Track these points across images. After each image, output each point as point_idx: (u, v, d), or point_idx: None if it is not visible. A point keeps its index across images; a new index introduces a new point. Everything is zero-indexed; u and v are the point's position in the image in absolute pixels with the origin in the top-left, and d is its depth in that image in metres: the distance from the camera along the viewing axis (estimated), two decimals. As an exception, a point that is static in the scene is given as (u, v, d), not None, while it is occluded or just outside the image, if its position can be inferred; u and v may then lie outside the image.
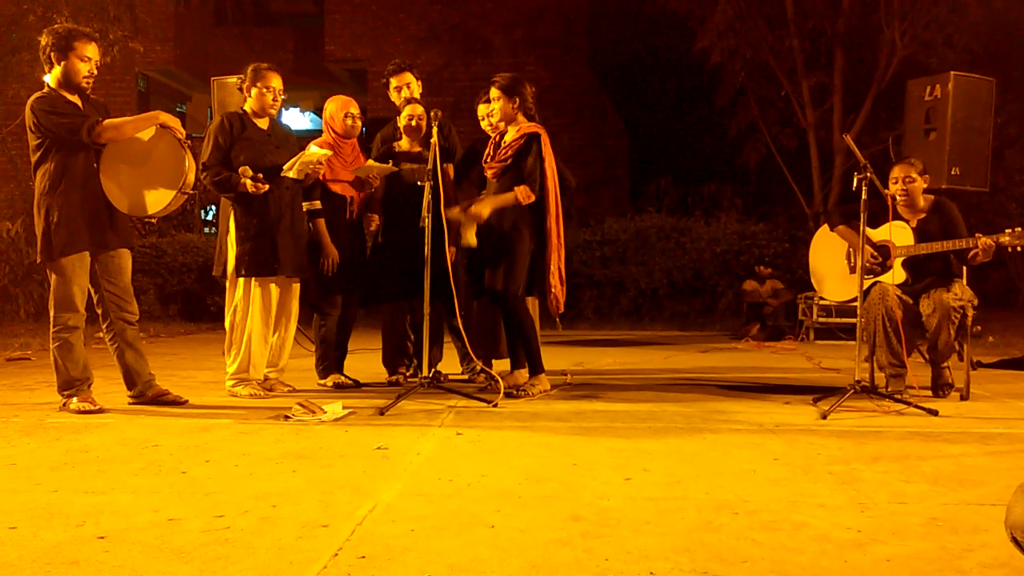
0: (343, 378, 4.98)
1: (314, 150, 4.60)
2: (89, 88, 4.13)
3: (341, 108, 4.95)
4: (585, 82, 14.58)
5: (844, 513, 2.41)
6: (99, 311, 4.26)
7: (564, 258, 4.73)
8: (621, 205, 13.71)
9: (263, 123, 4.63)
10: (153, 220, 4.35)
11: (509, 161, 4.60)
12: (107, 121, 4.02)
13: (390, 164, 4.91)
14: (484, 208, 4.50)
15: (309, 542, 2.13)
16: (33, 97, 4.03)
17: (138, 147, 4.11)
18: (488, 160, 4.73)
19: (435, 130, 4.45)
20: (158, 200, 4.12)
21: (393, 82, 5.29)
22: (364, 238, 5.11)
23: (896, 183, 4.67)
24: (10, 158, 11.25)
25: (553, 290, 4.63)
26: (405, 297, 5.00)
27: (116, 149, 4.10)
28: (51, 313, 4.10)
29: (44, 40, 4.06)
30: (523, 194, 4.52)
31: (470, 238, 4.56)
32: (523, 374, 4.78)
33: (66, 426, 3.73)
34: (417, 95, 5.22)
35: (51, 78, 4.08)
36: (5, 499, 2.53)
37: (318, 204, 4.80)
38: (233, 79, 5.05)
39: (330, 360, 5.00)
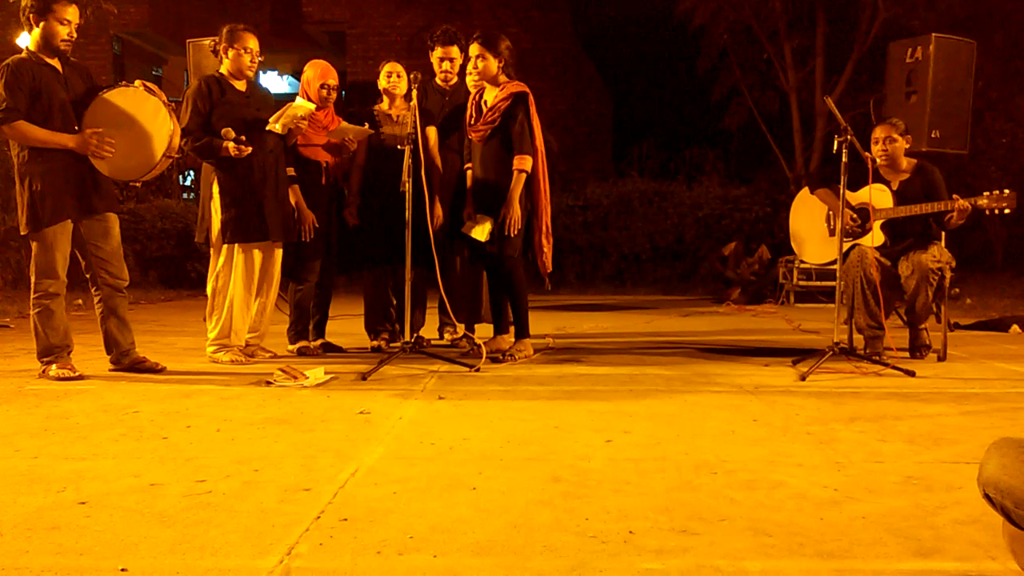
0: (309, 344, 4.96)
1: (300, 102, 4.55)
2: (69, 51, 4.06)
3: (318, 77, 4.85)
4: (567, 45, 14.43)
5: (821, 472, 2.44)
6: (87, 276, 4.23)
7: (551, 218, 4.74)
8: (603, 170, 13.67)
9: (241, 85, 4.56)
10: (137, 184, 4.30)
11: (496, 123, 4.55)
12: (21, 124, 3.88)
13: (365, 126, 4.85)
14: (515, 210, 4.49)
15: (291, 505, 2.13)
16: (7, 61, 3.96)
17: (120, 111, 4.05)
18: (472, 123, 4.68)
19: (414, 92, 4.39)
20: (142, 164, 4.07)
21: (438, 52, 5.04)
22: (343, 204, 5.07)
23: (877, 144, 4.69)
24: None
25: (544, 249, 4.64)
26: (387, 263, 4.98)
27: (98, 113, 4.04)
28: (32, 280, 4.06)
29: (24, 1, 3.98)
30: (524, 164, 4.50)
31: (480, 233, 4.54)
32: (506, 339, 4.79)
33: (46, 393, 3.71)
34: (456, 69, 5.03)
35: (31, 40, 4.01)
36: (-15, 466, 2.52)
37: (291, 171, 4.75)
38: (208, 41, 4.96)
39: (303, 326, 4.98)
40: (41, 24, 3.96)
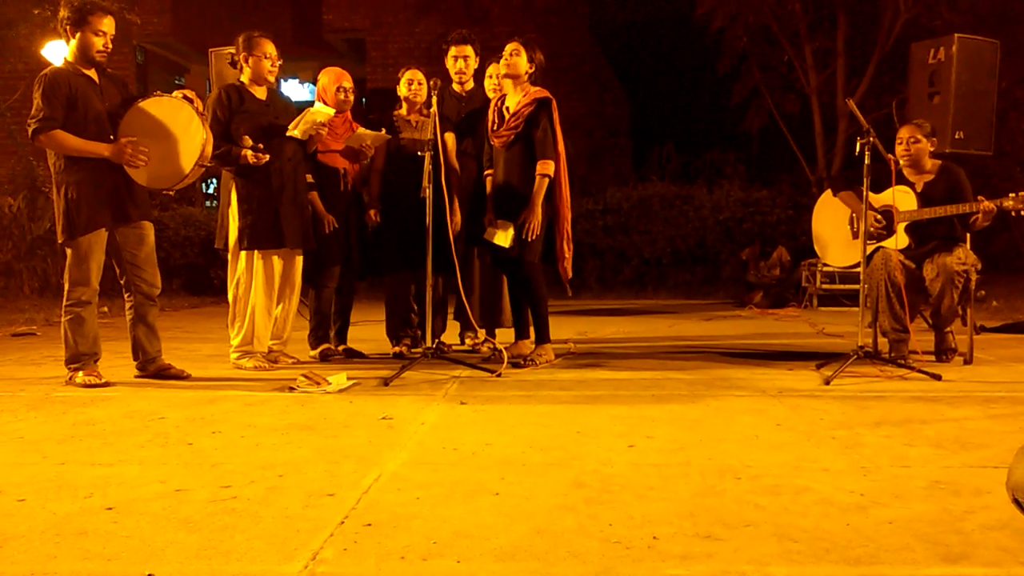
0: (332, 348, 4.99)
1: (319, 107, 4.58)
2: (105, 61, 4.12)
3: (334, 81, 4.90)
4: (586, 50, 14.43)
5: (847, 477, 2.42)
6: (121, 283, 4.28)
7: (572, 222, 4.74)
8: (623, 173, 13.63)
9: (261, 93, 4.60)
10: (171, 192, 4.36)
11: (520, 128, 4.56)
12: (58, 133, 3.93)
13: (383, 131, 4.88)
14: (537, 215, 4.51)
15: (315, 511, 2.14)
16: (44, 71, 4.02)
17: (155, 120, 4.08)
18: (495, 128, 4.68)
19: (434, 99, 4.41)
20: (176, 173, 4.10)
21: (452, 51, 5.10)
22: (364, 208, 5.10)
23: (900, 144, 4.66)
24: (9, 133, 11.19)
25: (565, 255, 4.64)
26: (407, 268, 4.99)
27: (133, 122, 4.08)
28: (65, 287, 4.11)
29: (61, 13, 4.06)
30: (547, 169, 4.52)
31: (503, 239, 4.56)
32: (527, 344, 4.79)
33: (73, 399, 3.76)
34: (469, 74, 5.09)
35: (68, 52, 4.09)
36: (13, 472, 2.55)
37: (310, 178, 4.78)
38: (231, 49, 5.00)
39: (324, 332, 5.00)
40: (77, 36, 4.03)
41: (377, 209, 4.97)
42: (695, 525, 2.01)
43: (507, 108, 4.65)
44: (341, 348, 5.06)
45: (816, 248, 5.16)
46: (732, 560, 1.80)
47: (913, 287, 4.56)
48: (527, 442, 2.87)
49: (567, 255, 4.67)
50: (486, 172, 4.84)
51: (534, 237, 4.53)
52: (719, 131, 13.82)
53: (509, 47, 4.61)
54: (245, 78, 4.60)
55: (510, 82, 4.63)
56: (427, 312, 4.43)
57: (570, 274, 4.71)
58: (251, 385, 4.09)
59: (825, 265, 7.90)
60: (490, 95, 4.94)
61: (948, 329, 4.71)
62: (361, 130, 4.84)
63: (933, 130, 4.72)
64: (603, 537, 1.94)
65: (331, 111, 4.64)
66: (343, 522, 2.05)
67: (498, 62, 4.74)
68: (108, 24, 4.07)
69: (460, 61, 5.07)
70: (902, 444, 2.81)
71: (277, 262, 4.59)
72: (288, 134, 4.55)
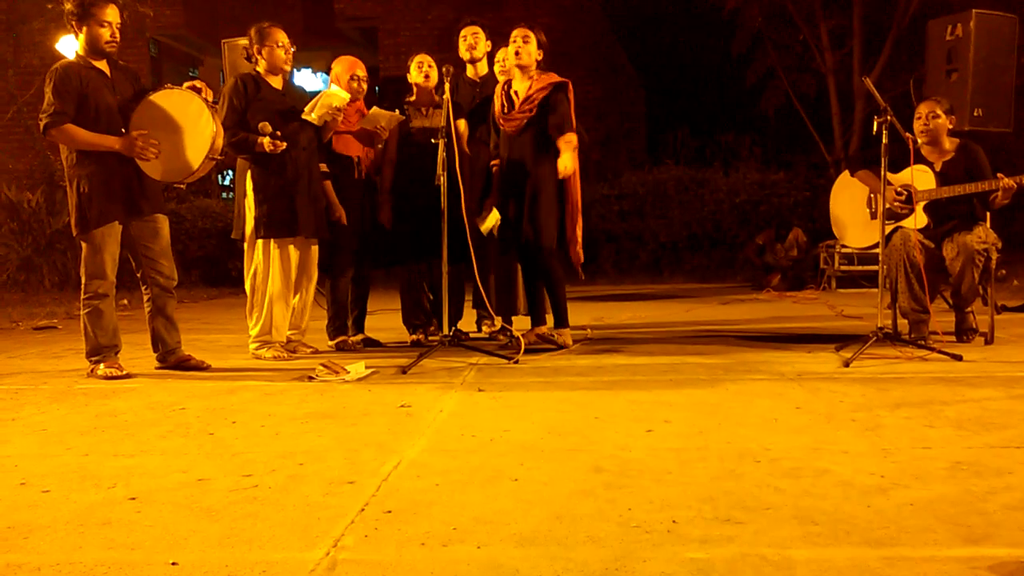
0: (349, 339, 5.00)
1: (335, 90, 4.59)
2: (115, 52, 4.13)
3: (347, 70, 4.90)
4: (599, 33, 14.36)
5: (867, 459, 2.41)
6: (138, 275, 4.31)
7: (586, 208, 4.73)
8: (638, 158, 13.58)
9: (277, 82, 4.61)
10: (182, 186, 4.35)
11: (533, 113, 4.54)
12: (69, 127, 3.95)
13: (396, 112, 4.87)
14: (570, 163, 4.43)
15: (336, 498, 2.16)
16: (55, 65, 4.04)
17: (165, 113, 4.10)
18: (505, 112, 4.65)
19: (447, 86, 4.39)
20: (187, 166, 4.12)
21: (463, 32, 5.13)
22: (376, 200, 5.10)
23: (919, 119, 4.60)
24: (27, 128, 11.28)
25: (577, 239, 4.63)
26: (422, 257, 4.99)
27: (144, 115, 4.09)
28: (82, 281, 4.14)
29: (67, 7, 4.07)
30: (573, 139, 4.46)
31: (484, 225, 4.58)
32: (543, 331, 4.78)
33: (94, 391, 3.79)
34: (481, 51, 5.12)
35: (78, 46, 4.11)
36: (37, 464, 2.58)
37: (324, 167, 4.78)
38: (243, 41, 5.01)
39: (341, 321, 5.02)
40: (84, 29, 4.04)
41: (389, 205, 4.95)
42: (714, 509, 2.01)
43: (515, 92, 4.63)
44: (359, 337, 5.08)
45: (834, 230, 5.12)
46: (752, 543, 1.80)
47: (933, 267, 4.52)
48: (545, 428, 2.88)
49: (578, 239, 4.65)
50: (492, 162, 4.82)
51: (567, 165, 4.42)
52: (734, 113, 13.72)
53: (517, 33, 4.58)
54: (261, 68, 4.60)
55: (518, 68, 4.63)
56: (443, 300, 4.43)
57: (582, 258, 4.70)
58: (270, 375, 4.12)
59: (843, 247, 7.83)
60: (500, 77, 4.93)
61: (968, 309, 4.67)
62: (376, 109, 4.83)
63: (952, 108, 4.67)
64: (622, 522, 1.94)
65: (347, 96, 4.64)
66: (363, 509, 2.06)
67: (507, 47, 4.72)
68: (112, 13, 4.07)
69: (470, 37, 5.08)
70: (923, 425, 2.80)
71: (293, 252, 4.60)
72: (304, 117, 4.55)
